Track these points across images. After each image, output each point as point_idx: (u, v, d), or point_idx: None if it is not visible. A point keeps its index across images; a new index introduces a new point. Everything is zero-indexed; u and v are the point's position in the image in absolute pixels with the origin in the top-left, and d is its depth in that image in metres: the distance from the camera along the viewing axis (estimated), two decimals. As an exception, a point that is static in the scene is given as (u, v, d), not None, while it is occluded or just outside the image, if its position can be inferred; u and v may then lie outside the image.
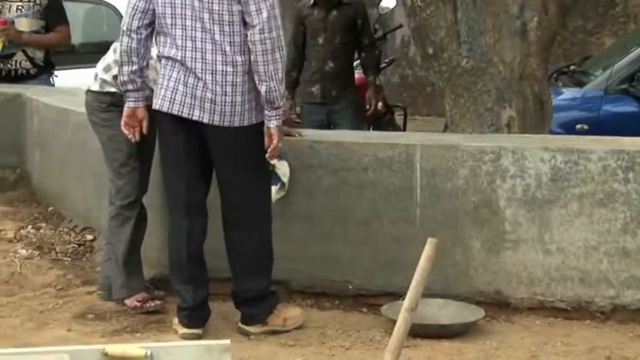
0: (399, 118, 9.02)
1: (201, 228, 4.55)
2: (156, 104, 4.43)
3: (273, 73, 4.33)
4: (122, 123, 4.52)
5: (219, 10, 4.29)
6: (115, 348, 2.96)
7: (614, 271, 4.64)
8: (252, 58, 4.32)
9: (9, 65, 7.21)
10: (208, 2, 4.29)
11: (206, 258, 4.57)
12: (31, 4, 7.15)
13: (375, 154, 4.89)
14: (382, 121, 8.33)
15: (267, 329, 4.50)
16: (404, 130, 8.67)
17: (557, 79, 7.58)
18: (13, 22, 7.12)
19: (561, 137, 5.74)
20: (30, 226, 6.12)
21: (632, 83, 6.98)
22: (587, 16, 11.23)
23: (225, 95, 4.34)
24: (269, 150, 4.43)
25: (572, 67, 7.92)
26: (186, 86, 4.35)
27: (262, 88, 4.34)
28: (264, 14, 4.28)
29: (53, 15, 7.15)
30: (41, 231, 6.05)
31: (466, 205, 4.78)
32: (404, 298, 3.46)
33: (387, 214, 4.87)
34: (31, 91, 6.89)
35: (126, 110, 4.51)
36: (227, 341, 3.34)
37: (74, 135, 5.90)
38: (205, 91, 4.33)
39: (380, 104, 8.28)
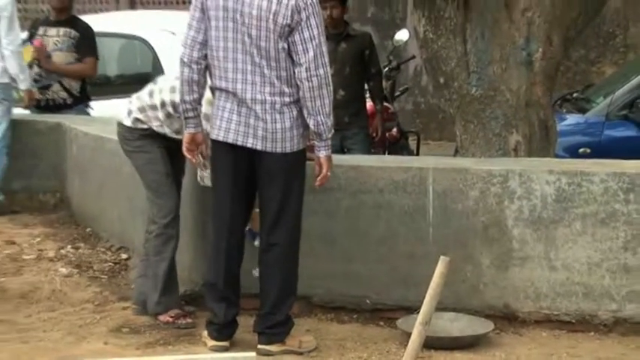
0: (412, 143, 9.02)
1: (239, 252, 4.55)
2: (212, 134, 4.44)
3: (320, 107, 4.34)
4: (184, 148, 4.52)
5: (266, 47, 4.31)
6: (149, 360, 2.98)
7: (616, 286, 4.63)
8: (300, 94, 4.34)
9: (47, 95, 7.28)
10: (256, 38, 4.30)
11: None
12: (66, 38, 7.23)
13: (390, 177, 4.90)
14: (397, 146, 8.33)
15: (285, 349, 4.48)
16: (417, 154, 8.66)
17: (561, 105, 7.58)
18: (49, 56, 7.20)
19: (565, 160, 5.74)
20: (69, 246, 6.15)
21: (632, 109, 6.96)
22: (588, 47, 11.22)
23: (275, 122, 4.35)
24: (319, 178, 4.46)
25: (575, 95, 7.91)
26: (240, 115, 4.37)
27: (311, 122, 4.36)
28: (311, 53, 4.30)
29: (82, 48, 7.23)
30: (80, 250, 6.08)
31: (476, 225, 4.77)
32: (418, 312, 3.47)
33: (402, 233, 4.87)
34: (70, 120, 6.93)
35: (186, 136, 4.51)
36: (252, 353, 3.37)
37: (110, 161, 5.93)
38: (257, 120, 4.35)
39: (394, 130, 8.31)
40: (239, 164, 4.42)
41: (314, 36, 4.30)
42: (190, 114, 4.47)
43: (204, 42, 4.38)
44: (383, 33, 10.95)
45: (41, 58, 7.16)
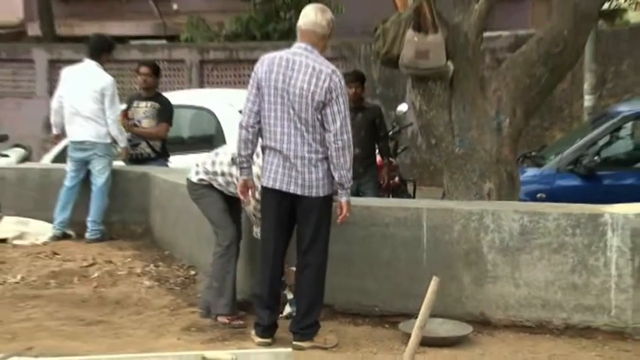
0: (410, 189, 8.98)
1: (279, 274, 4.55)
2: (263, 182, 4.46)
3: (343, 163, 4.34)
4: (239, 191, 4.54)
5: (305, 117, 4.33)
6: (211, 353, 2.95)
7: (566, 300, 4.57)
8: (328, 152, 4.35)
9: (137, 151, 7.32)
10: (299, 110, 4.33)
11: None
12: (151, 109, 7.29)
13: (394, 215, 4.88)
14: (399, 191, 8.31)
15: (313, 345, 4.45)
16: (414, 197, 8.62)
17: (523, 161, 7.53)
18: (139, 121, 7.25)
19: (527, 203, 5.69)
20: (152, 265, 6.15)
21: (577, 165, 6.91)
22: (543, 117, 11.19)
23: (311, 174, 4.35)
24: (340, 217, 4.45)
25: (533, 153, 7.86)
26: (284, 168, 4.37)
27: (335, 174, 4.36)
28: (338, 123, 4.31)
29: (160, 115, 7.27)
30: (160, 268, 6.07)
31: (459, 252, 4.74)
32: (416, 318, 3.43)
33: (403, 257, 4.84)
34: (153, 170, 6.96)
35: (241, 182, 4.52)
36: (289, 349, 3.34)
37: (182, 202, 5.91)
38: (297, 172, 4.35)
39: (396, 179, 8.29)
40: (283, 205, 4.42)
41: (341, 110, 4.32)
42: (245, 165, 4.49)
43: (258, 112, 4.41)
44: (388, 105, 10.96)
45: (126, 125, 7.22)
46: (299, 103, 4.32)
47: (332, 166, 4.35)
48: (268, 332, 4.50)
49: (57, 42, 15.13)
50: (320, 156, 4.36)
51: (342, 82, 4.37)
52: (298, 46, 4.42)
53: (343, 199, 4.42)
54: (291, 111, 4.33)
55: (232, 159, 4.69)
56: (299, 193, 4.36)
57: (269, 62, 4.40)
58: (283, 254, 4.54)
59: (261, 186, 4.48)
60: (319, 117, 4.32)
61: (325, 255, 4.47)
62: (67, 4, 18.09)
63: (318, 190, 4.38)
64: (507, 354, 4.34)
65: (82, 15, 17.78)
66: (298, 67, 4.34)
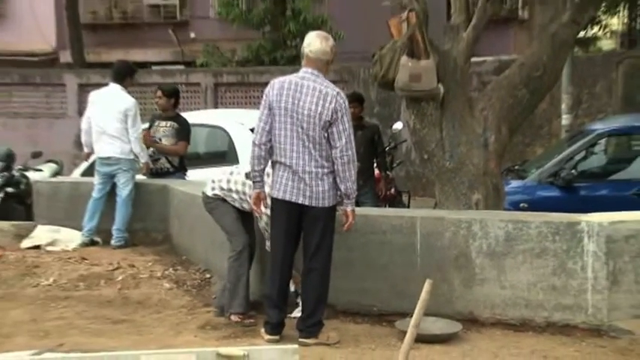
0: (405, 199, 8.97)
1: (287, 278, 4.53)
2: (273, 194, 4.45)
3: (348, 177, 4.34)
4: (252, 202, 4.55)
5: (312, 135, 4.33)
6: (225, 349, 2.93)
7: (547, 300, 4.55)
8: (334, 167, 4.34)
9: (157, 166, 7.32)
10: (307, 129, 4.33)
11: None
12: (170, 128, 7.28)
13: (390, 223, 4.86)
14: (395, 201, 8.30)
15: (318, 341, 4.43)
16: (408, 207, 8.61)
17: (507, 174, 7.52)
18: (160, 139, 7.24)
19: (511, 212, 5.69)
20: (171, 269, 6.13)
21: (556, 177, 6.91)
22: (525, 134, 11.19)
23: (318, 186, 4.35)
24: (346, 225, 4.44)
25: (516, 167, 7.85)
26: (293, 181, 4.37)
27: (342, 186, 4.36)
28: (343, 140, 4.32)
29: (178, 134, 7.26)
30: (178, 272, 6.05)
31: (450, 256, 4.72)
32: (411, 317, 3.40)
33: (399, 262, 4.82)
34: (172, 183, 6.95)
35: (254, 194, 4.52)
36: (295, 345, 3.31)
37: (198, 211, 5.89)
38: (305, 185, 4.35)
39: (392, 190, 8.28)
40: (291, 215, 4.42)
41: (345, 128, 4.33)
42: (257, 179, 4.48)
43: (269, 130, 4.41)
44: (385, 124, 10.96)
45: (148, 143, 7.22)
46: (307, 122, 4.32)
47: (338, 179, 4.35)
48: (277, 330, 4.48)
49: (86, 68, 15.20)
50: (326, 170, 4.36)
51: (346, 103, 4.38)
52: (305, 71, 4.43)
53: (349, 209, 4.43)
54: (300, 130, 4.33)
55: (246, 174, 4.68)
56: (307, 203, 4.36)
57: (279, 86, 4.40)
58: (291, 259, 4.52)
59: (272, 197, 4.47)
60: (326, 135, 4.33)
61: (329, 260, 4.46)
62: (95, 34, 18.19)
63: (324, 201, 4.37)
64: (494, 349, 4.32)
65: (108, 43, 17.89)
66: (306, 91, 4.35)
